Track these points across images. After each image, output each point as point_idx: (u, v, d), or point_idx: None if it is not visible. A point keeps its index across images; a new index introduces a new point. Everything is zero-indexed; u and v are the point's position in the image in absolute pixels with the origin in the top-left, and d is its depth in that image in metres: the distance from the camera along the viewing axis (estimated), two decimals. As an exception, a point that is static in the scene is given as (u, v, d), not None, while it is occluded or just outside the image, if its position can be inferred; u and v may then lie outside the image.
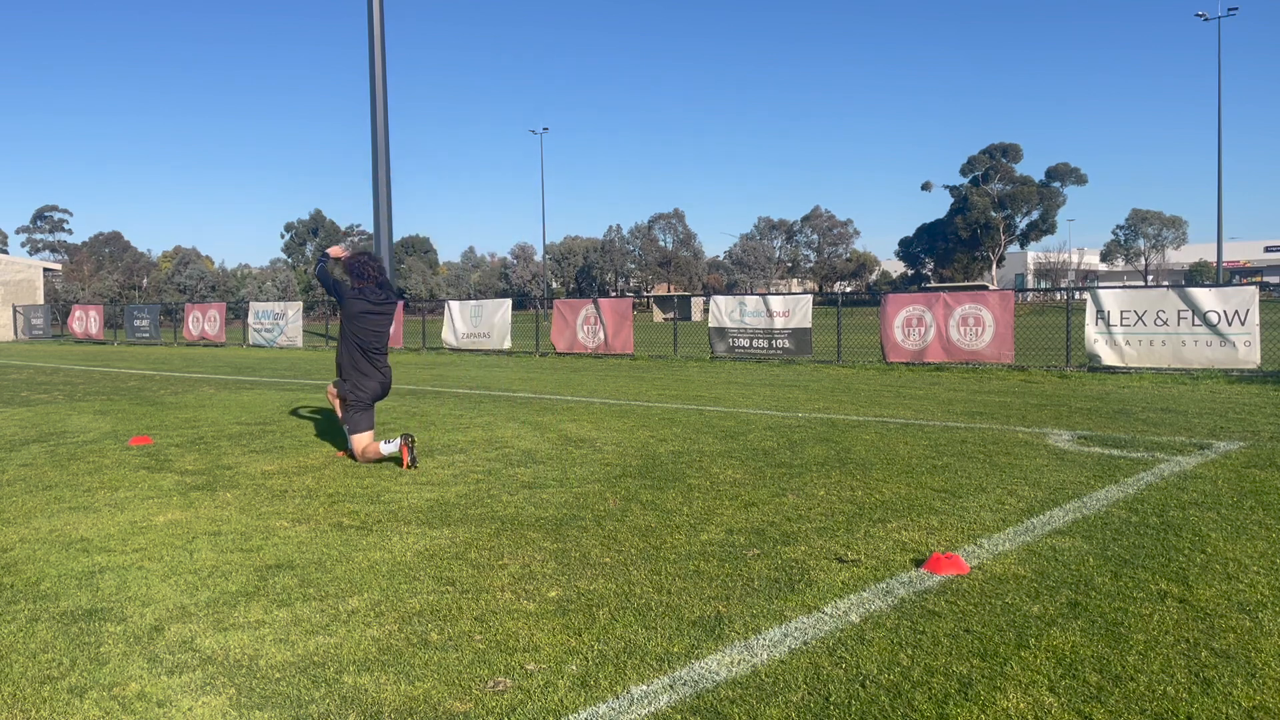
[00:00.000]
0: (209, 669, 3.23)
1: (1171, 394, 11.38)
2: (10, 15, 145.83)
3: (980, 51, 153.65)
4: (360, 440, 7.14)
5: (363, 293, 7.38)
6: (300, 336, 27.31)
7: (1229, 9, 53.51)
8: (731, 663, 3.21)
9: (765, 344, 18.08)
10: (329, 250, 7.74)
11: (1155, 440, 7.66)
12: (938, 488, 5.90)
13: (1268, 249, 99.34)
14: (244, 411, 10.52)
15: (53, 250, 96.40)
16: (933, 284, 79.61)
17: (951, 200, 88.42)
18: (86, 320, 34.98)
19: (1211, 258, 77.15)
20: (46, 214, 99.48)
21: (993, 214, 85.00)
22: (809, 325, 17.62)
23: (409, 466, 6.84)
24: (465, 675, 3.14)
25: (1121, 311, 14.31)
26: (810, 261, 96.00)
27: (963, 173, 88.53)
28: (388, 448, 6.90)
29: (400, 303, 26.01)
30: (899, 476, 6.26)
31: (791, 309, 17.87)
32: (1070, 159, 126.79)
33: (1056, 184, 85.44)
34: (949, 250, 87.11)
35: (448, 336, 23.79)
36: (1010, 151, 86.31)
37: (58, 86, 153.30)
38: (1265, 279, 77.47)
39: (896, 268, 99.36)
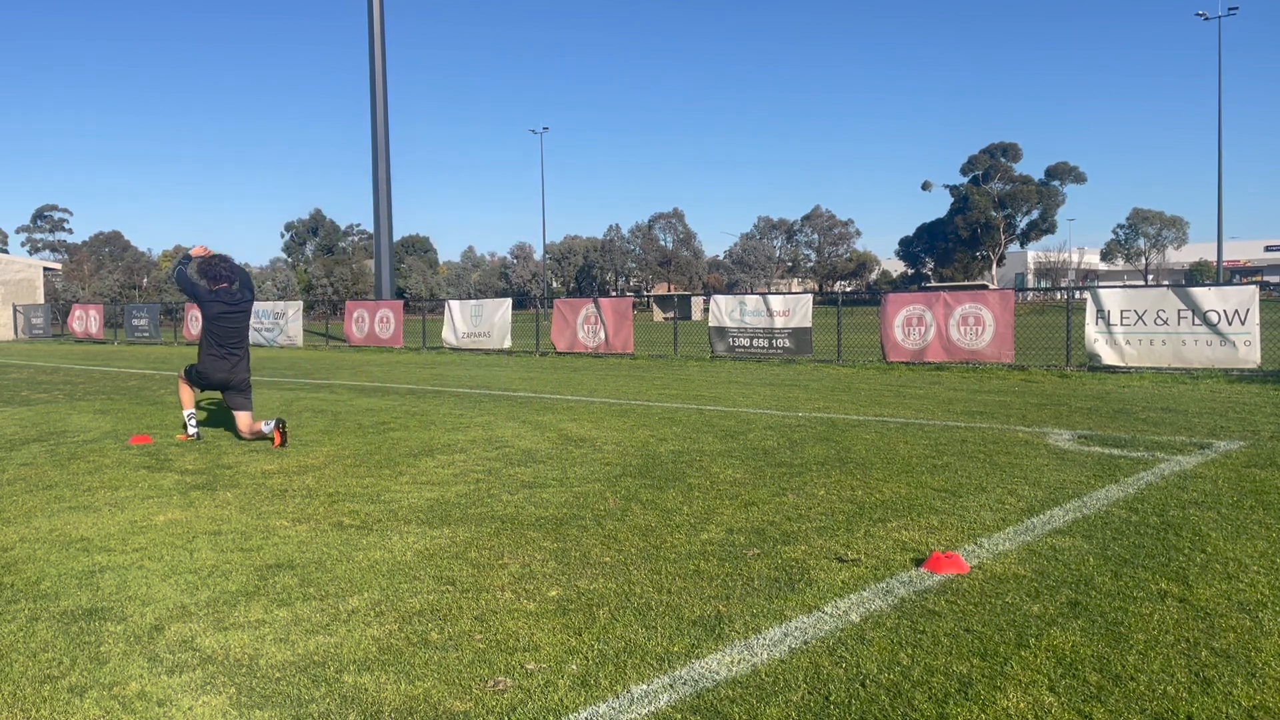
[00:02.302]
0: (209, 668, 3.23)
1: (1171, 393, 11.37)
2: (10, 15, 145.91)
3: (980, 51, 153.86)
4: (187, 390, 8.35)
5: (218, 295, 8.18)
6: (300, 336, 27.32)
7: (1229, 9, 53.51)
8: (731, 662, 3.21)
9: (765, 343, 18.08)
10: (191, 251, 8.37)
11: (1155, 440, 7.66)
12: (938, 487, 5.90)
13: (1268, 249, 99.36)
14: (244, 411, 10.51)
15: (53, 250, 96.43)
16: (933, 283, 79.57)
17: (951, 200, 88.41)
18: (86, 320, 34.98)
19: (1211, 257, 77.15)
20: (46, 214, 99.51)
21: (993, 213, 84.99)
22: (809, 325, 17.62)
23: (280, 446, 7.76)
24: (465, 675, 3.14)
25: (1121, 311, 14.31)
26: (810, 261, 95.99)
27: (963, 172, 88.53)
28: (266, 426, 7.87)
29: (400, 302, 26.07)
30: (899, 476, 6.26)
31: (792, 308, 17.86)
32: (1070, 158, 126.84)
33: (1056, 183, 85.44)
34: (949, 250, 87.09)
35: (448, 336, 23.80)
36: (1010, 151, 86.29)
37: (58, 86, 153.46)
38: (1265, 278, 77.47)
39: (897, 267, 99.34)
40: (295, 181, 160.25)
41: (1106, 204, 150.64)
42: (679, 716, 2.84)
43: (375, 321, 25.58)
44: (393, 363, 19.72)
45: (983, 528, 4.90)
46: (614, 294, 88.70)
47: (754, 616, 3.63)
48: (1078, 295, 20.46)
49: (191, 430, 8.28)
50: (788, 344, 17.79)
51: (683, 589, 3.98)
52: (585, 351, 20.60)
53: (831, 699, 2.93)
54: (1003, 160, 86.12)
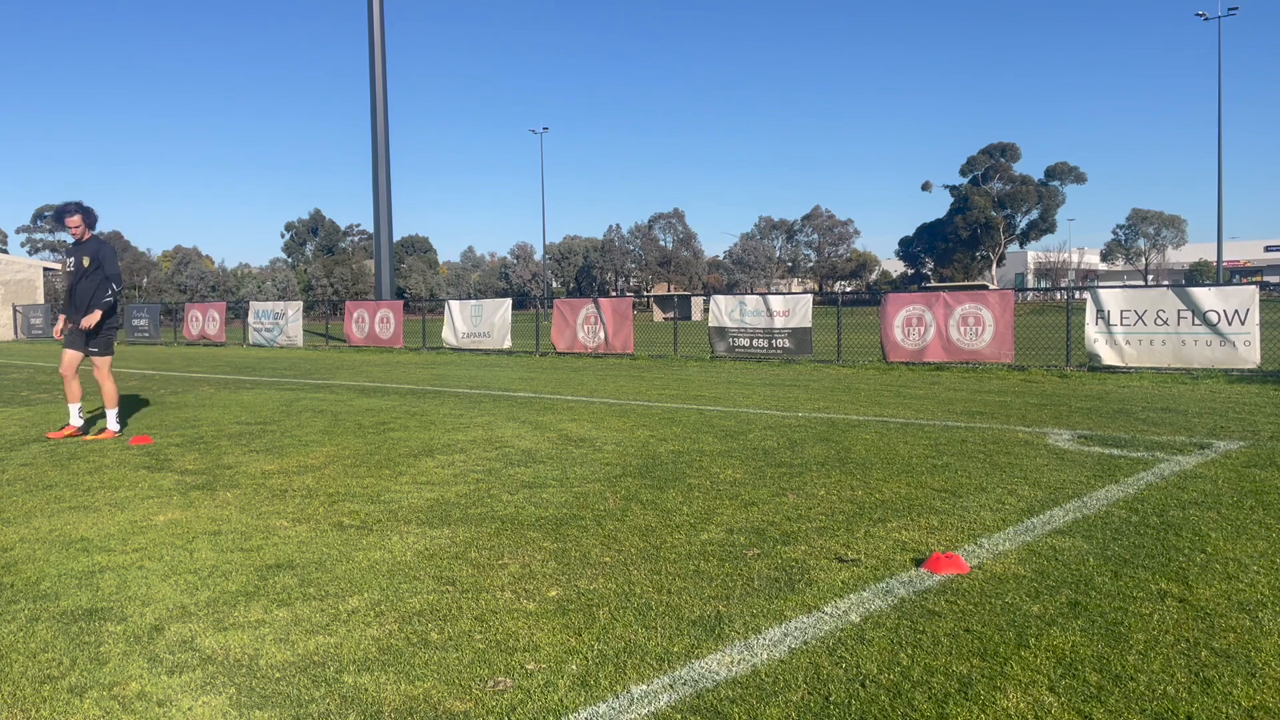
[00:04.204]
0: (209, 668, 3.23)
1: (1171, 393, 11.37)
2: (11, 15, 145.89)
3: (980, 51, 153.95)
4: (71, 357, 8.64)
5: (107, 247, 8.68)
6: (300, 336, 27.31)
7: (1229, 9, 53.52)
8: (731, 662, 3.21)
9: (765, 344, 18.07)
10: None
11: (1155, 440, 7.66)
12: (938, 487, 5.90)
13: (1268, 249, 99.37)
14: (244, 411, 10.52)
15: (53, 250, 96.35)
16: (933, 283, 79.55)
17: (951, 200, 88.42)
18: (86, 320, 34.91)
19: (1211, 257, 77.15)
20: (46, 214, 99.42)
21: (992, 213, 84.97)
22: (809, 325, 17.61)
23: (67, 434, 8.58)
24: (465, 675, 3.14)
25: (1121, 311, 14.31)
26: (810, 261, 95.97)
27: (962, 173, 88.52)
28: (75, 415, 8.69)
29: (400, 302, 26.08)
30: (899, 476, 6.26)
31: (792, 308, 17.86)
32: (1070, 158, 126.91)
33: (1056, 183, 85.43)
34: (949, 250, 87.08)
35: (448, 336, 23.79)
36: (1009, 151, 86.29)
37: (58, 86, 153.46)
38: (1265, 278, 77.47)
39: (897, 267, 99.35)
40: (295, 181, 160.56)
41: (1106, 204, 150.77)
42: (679, 716, 2.84)
43: (375, 322, 25.58)
44: (393, 363, 19.72)
45: (983, 528, 4.90)
46: (614, 294, 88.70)
47: (754, 616, 3.63)
48: (1077, 295, 20.45)
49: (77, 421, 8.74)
50: (788, 344, 17.79)
51: (683, 589, 3.98)
52: (585, 352, 20.60)
53: (831, 699, 2.93)
54: (1002, 160, 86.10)
